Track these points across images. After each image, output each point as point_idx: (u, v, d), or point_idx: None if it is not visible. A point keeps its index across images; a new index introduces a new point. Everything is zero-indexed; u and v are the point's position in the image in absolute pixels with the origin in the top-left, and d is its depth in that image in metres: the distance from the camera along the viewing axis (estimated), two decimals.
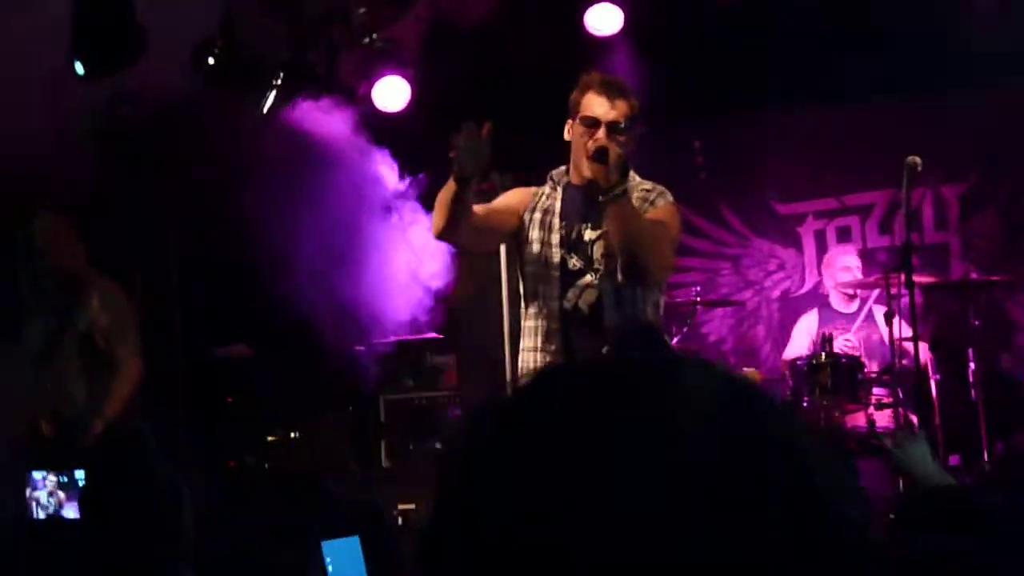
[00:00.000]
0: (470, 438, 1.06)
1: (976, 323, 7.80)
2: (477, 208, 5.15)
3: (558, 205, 5.27)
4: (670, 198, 5.28)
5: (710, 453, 0.97)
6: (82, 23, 6.96)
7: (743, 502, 0.95)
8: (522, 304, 5.32)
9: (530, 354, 5.20)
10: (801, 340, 8.71)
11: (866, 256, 9.09)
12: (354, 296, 7.86)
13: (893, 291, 7.38)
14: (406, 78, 8.37)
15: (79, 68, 6.99)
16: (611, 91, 5.15)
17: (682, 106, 8.90)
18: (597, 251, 5.13)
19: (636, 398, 1.01)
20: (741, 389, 1.04)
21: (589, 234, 5.17)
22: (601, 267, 5.11)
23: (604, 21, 8.57)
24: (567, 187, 5.30)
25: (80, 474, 5.69)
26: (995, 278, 8.37)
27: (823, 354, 7.85)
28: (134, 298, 7.55)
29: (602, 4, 8.53)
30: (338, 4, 8.11)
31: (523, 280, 5.30)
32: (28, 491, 5.94)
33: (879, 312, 8.11)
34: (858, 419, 7.89)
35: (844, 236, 9.60)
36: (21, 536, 5.57)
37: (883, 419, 7.75)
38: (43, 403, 6.66)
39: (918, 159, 5.63)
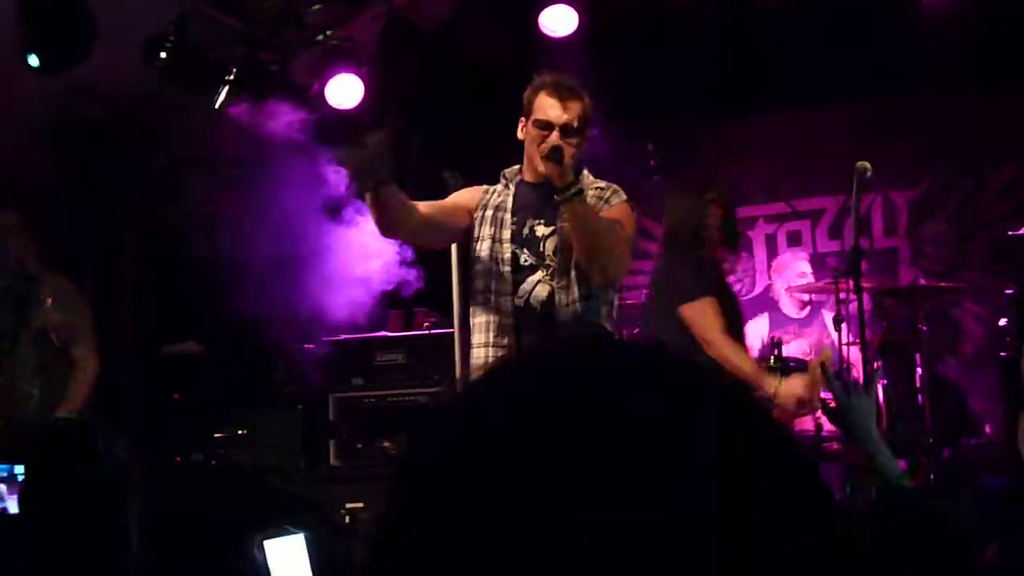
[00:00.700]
0: (420, 439, 1.05)
1: (924, 328, 7.85)
2: (424, 205, 5.15)
3: (510, 202, 5.28)
4: (623, 196, 5.32)
5: (656, 440, 0.97)
6: (31, 15, 6.91)
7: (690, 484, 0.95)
8: (471, 302, 5.32)
9: (481, 350, 5.19)
10: (750, 344, 8.74)
11: (816, 261, 9.15)
12: (303, 294, 7.84)
13: (842, 296, 7.43)
14: (360, 76, 8.35)
15: (33, 61, 6.94)
16: (563, 93, 5.17)
17: (635, 109, 8.92)
18: (549, 247, 5.15)
19: (586, 391, 1.00)
20: (692, 374, 1.04)
21: (542, 230, 5.19)
22: (553, 263, 5.13)
23: (559, 22, 8.57)
24: (520, 184, 5.32)
25: (20, 468, 5.64)
26: (943, 284, 8.44)
27: (772, 358, 7.87)
28: (85, 294, 7.51)
29: (557, 5, 8.54)
30: (292, 2, 8.08)
31: (473, 278, 5.30)
32: None
33: (829, 317, 8.15)
34: (806, 423, 7.93)
35: (794, 241, 9.66)
36: None
37: (831, 424, 7.78)
38: None
39: (868, 165, 5.67)
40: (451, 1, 8.52)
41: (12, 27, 6.80)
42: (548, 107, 5.14)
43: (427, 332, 7.97)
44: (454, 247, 5.71)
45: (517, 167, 5.37)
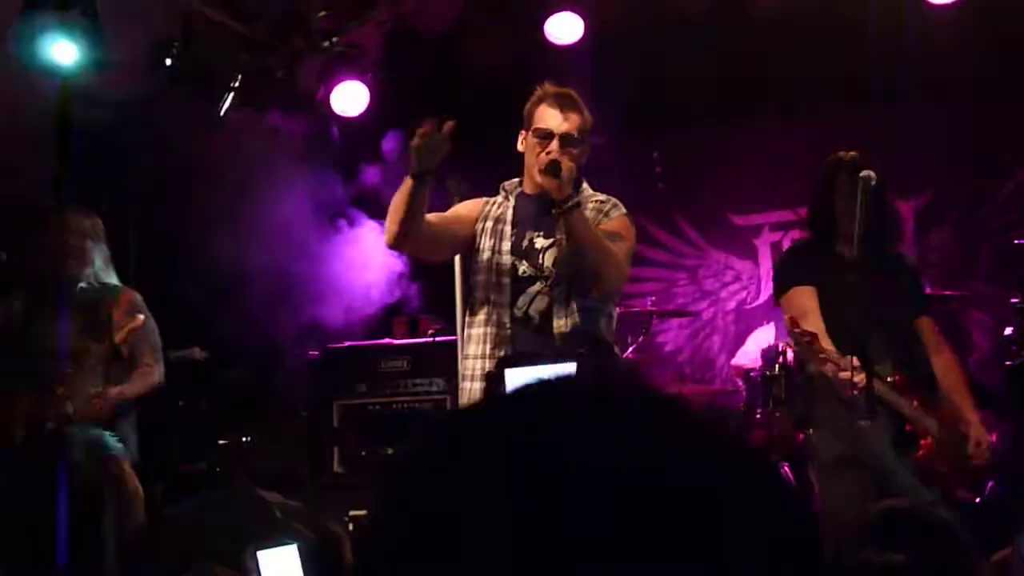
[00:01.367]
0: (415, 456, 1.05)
1: None
2: (430, 216, 5.16)
3: (510, 214, 5.29)
4: (623, 210, 5.32)
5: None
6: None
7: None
8: (468, 313, 5.32)
9: (476, 361, 5.19)
10: (752, 351, 8.74)
11: None
12: (307, 301, 7.85)
13: None
14: (365, 84, 8.36)
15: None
16: (564, 104, 5.19)
17: (640, 116, 8.92)
18: (548, 259, 5.15)
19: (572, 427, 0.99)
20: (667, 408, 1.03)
21: (541, 242, 5.19)
22: (552, 275, 5.12)
23: (565, 29, 8.57)
24: (520, 196, 5.34)
25: None
26: (950, 293, 8.41)
27: (777, 366, 7.86)
28: None
29: (563, 13, 8.54)
30: (298, 9, 8.10)
31: (473, 289, 5.30)
32: None
33: None
34: None
35: None
36: None
37: None
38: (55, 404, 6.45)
39: (872, 173, 5.62)
40: (456, 8, 8.53)
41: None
42: (548, 117, 5.16)
43: (431, 339, 7.97)
44: (457, 260, 5.71)
45: (517, 180, 5.38)
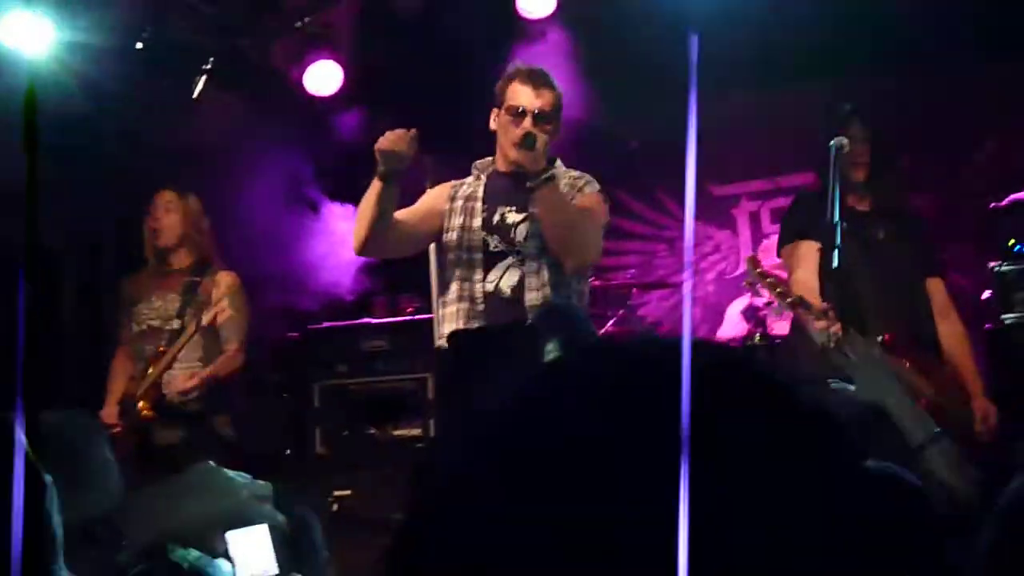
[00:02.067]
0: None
1: None
2: (398, 214, 5.22)
3: (481, 191, 5.31)
4: (597, 186, 5.35)
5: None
6: None
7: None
8: (441, 293, 5.34)
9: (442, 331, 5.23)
10: (734, 321, 8.73)
11: None
12: (287, 282, 7.83)
13: None
14: (339, 63, 8.34)
15: None
16: (536, 80, 5.23)
17: (613, 88, 8.88)
18: (520, 233, 5.17)
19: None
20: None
21: (513, 217, 5.21)
22: (524, 249, 5.13)
23: (537, 3, 8.55)
24: (492, 174, 5.35)
25: None
26: None
27: (758, 335, 7.87)
28: (67, 291, 7.51)
29: None
30: None
31: (444, 268, 5.31)
32: None
33: None
34: None
35: (778, 218, 9.61)
36: None
37: None
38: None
39: (845, 140, 5.59)
40: None
41: None
42: (521, 94, 5.19)
43: (411, 318, 7.96)
44: (432, 247, 5.70)
45: (489, 159, 5.40)
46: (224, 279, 6.86)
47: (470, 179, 5.42)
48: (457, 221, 5.27)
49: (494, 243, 5.19)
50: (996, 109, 8.90)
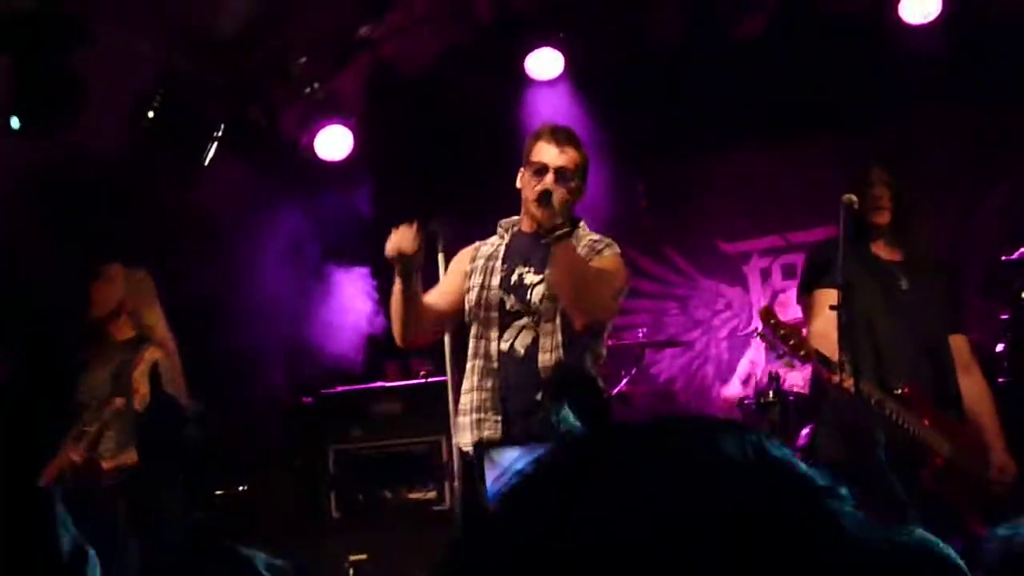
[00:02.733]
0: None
1: None
2: (428, 298, 5.34)
3: (502, 250, 5.35)
4: (617, 250, 5.35)
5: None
6: (22, 78, 6.94)
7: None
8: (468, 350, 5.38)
9: (467, 395, 5.27)
10: (743, 375, 8.76)
11: None
12: (299, 347, 7.84)
13: None
14: (348, 127, 8.38)
15: (14, 123, 6.96)
16: (560, 139, 5.27)
17: (623, 148, 8.92)
18: (536, 295, 5.19)
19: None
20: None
21: (530, 278, 5.23)
22: (539, 310, 5.15)
23: (545, 65, 8.62)
24: (516, 234, 5.38)
25: None
26: None
27: (771, 392, 7.84)
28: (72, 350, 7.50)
29: (543, 49, 8.58)
30: (278, 56, 8.11)
31: (466, 326, 5.36)
32: None
33: None
34: None
35: (790, 274, 9.60)
36: None
37: None
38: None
39: (854, 197, 5.58)
40: (435, 47, 8.55)
41: None
42: (544, 151, 5.24)
43: (423, 381, 7.95)
44: None
45: (515, 218, 5.43)
46: (150, 356, 6.62)
47: (494, 238, 5.47)
48: (477, 280, 5.31)
49: (511, 303, 5.22)
50: (1004, 158, 8.91)
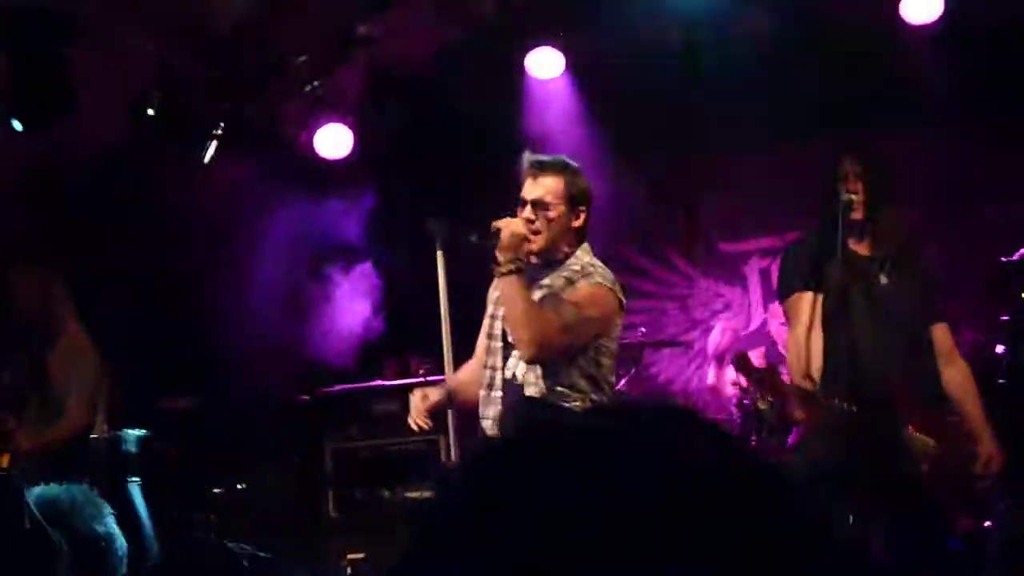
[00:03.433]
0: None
1: None
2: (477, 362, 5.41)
3: None
4: (596, 280, 5.20)
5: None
6: (18, 78, 6.94)
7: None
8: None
9: (483, 421, 5.30)
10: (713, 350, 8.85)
11: None
12: (297, 346, 7.83)
13: None
14: (347, 125, 8.37)
15: (17, 125, 6.97)
16: (536, 170, 5.25)
17: (624, 146, 8.91)
18: None
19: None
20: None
21: None
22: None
23: (546, 65, 8.61)
24: (526, 264, 5.36)
25: None
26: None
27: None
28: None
29: (543, 48, 8.57)
30: (277, 54, 8.10)
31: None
32: None
33: None
34: None
35: None
36: None
37: None
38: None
39: (853, 197, 5.54)
40: (435, 46, 8.53)
41: None
42: (525, 184, 5.23)
43: (422, 379, 7.93)
44: (442, 286, 5.67)
45: None
46: (62, 343, 6.74)
47: None
48: (490, 309, 5.36)
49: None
50: (1005, 170, 8.92)
